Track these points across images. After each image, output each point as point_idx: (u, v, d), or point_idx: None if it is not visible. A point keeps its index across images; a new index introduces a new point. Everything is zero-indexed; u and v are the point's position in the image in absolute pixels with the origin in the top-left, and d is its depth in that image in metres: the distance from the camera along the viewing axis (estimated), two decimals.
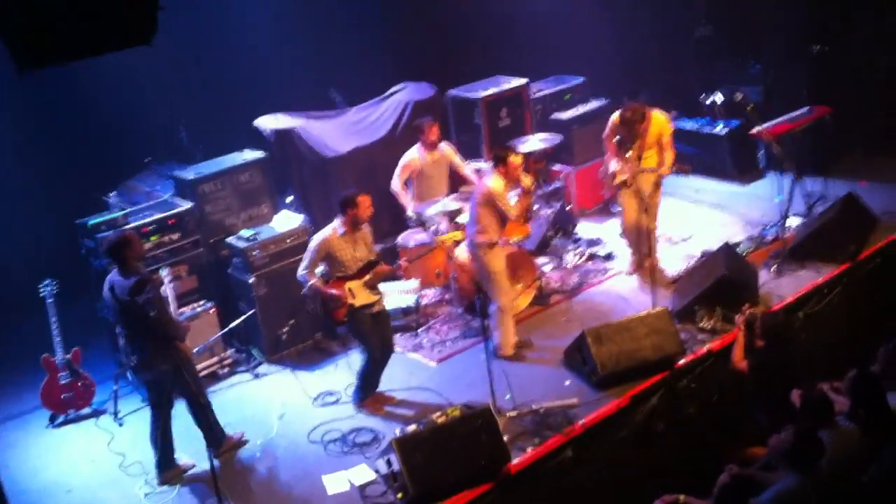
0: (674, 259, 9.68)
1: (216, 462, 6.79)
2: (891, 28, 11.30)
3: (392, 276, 8.19)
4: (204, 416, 7.34)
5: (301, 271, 7.69)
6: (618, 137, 9.21)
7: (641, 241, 9.28)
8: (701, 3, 12.81)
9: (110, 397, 8.28)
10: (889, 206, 9.90)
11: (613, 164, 9.30)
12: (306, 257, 7.71)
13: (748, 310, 7.70)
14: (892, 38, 11.33)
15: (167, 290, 7.60)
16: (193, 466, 7.36)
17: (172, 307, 7.53)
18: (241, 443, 7.61)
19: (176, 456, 7.35)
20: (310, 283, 7.65)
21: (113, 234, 7.50)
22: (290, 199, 10.05)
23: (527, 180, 8.28)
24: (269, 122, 10.04)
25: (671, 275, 9.39)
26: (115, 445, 7.77)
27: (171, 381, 7.10)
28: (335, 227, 7.66)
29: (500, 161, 8.13)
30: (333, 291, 7.61)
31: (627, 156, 9.06)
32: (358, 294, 7.68)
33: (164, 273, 7.85)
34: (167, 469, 7.25)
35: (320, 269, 7.75)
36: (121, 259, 6.99)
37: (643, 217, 9.14)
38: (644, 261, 9.35)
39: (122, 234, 7.27)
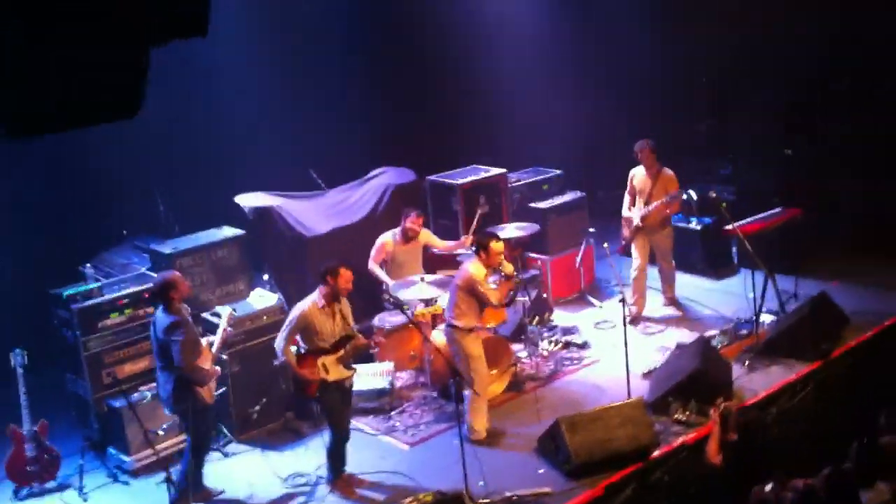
0: (648, 350, 9.73)
1: None
2: (858, 134, 11.66)
3: (367, 349, 8.16)
4: (194, 466, 7.49)
5: (279, 342, 7.69)
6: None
7: (644, 289, 10.67)
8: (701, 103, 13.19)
9: (76, 472, 8.09)
10: (859, 306, 10.04)
11: (629, 213, 10.59)
12: (285, 328, 7.71)
13: (723, 404, 7.73)
14: (859, 144, 11.67)
15: (222, 328, 7.84)
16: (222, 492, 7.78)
17: (216, 347, 7.72)
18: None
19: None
20: (284, 358, 7.64)
21: (161, 273, 7.82)
22: (266, 276, 10.05)
23: (508, 267, 8.35)
24: (248, 200, 10.10)
25: (649, 363, 9.51)
26: None
27: (200, 418, 7.45)
28: (314, 299, 7.66)
29: (481, 247, 8.21)
30: (305, 371, 7.59)
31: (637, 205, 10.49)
32: (331, 369, 7.65)
33: (225, 313, 8.00)
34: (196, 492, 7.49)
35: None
36: (166, 298, 7.39)
37: (659, 260, 10.71)
38: (641, 311, 10.62)
39: (170, 275, 7.63)
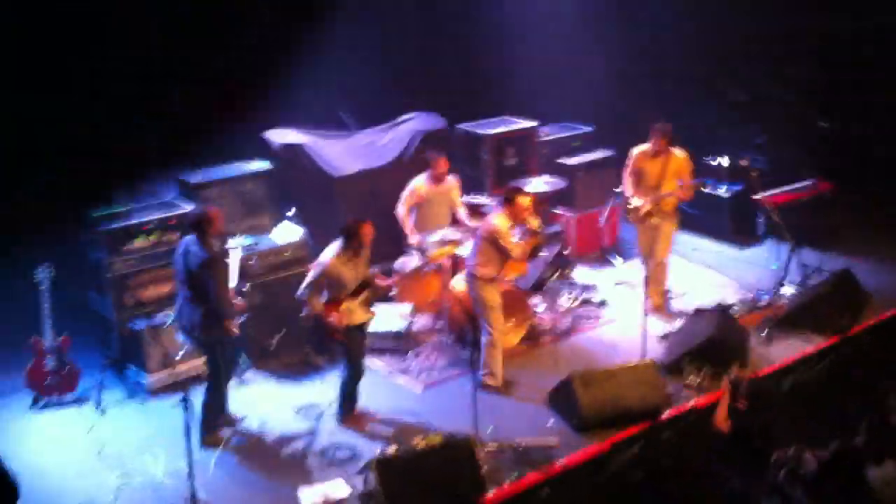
0: (667, 314, 9.74)
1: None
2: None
3: (386, 293, 8.20)
4: (214, 400, 7.64)
5: (303, 292, 7.70)
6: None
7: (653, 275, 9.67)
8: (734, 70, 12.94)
9: (94, 387, 8.25)
10: (882, 285, 10.04)
11: (634, 200, 9.67)
12: (310, 279, 7.71)
13: (736, 371, 7.75)
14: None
15: (234, 262, 7.96)
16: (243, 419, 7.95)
17: (234, 279, 7.89)
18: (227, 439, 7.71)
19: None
20: (311, 307, 7.70)
21: (198, 207, 7.88)
22: (291, 212, 10.09)
23: (534, 222, 8.35)
24: (278, 136, 10.15)
25: (668, 321, 9.54)
26: (94, 435, 7.71)
27: (222, 349, 7.56)
28: (337, 251, 7.68)
29: (508, 201, 8.22)
30: (332, 318, 7.66)
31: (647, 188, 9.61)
32: (356, 313, 7.74)
33: (234, 245, 8.17)
34: (209, 433, 7.60)
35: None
36: (202, 232, 7.43)
37: (655, 249, 9.66)
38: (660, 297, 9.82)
39: (207, 209, 7.64)
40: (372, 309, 7.98)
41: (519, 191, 8.39)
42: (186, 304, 7.52)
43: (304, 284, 7.75)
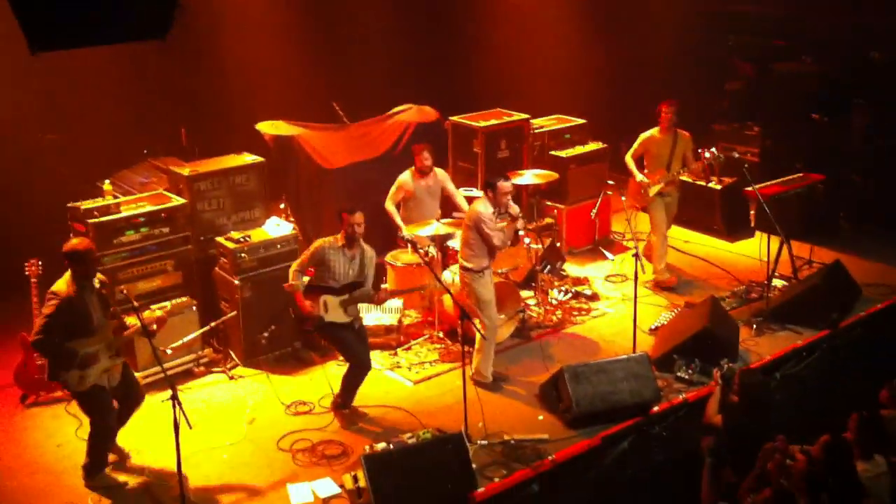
0: (657, 308, 9.75)
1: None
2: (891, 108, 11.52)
3: (369, 301, 8.11)
4: (96, 443, 7.11)
5: (292, 267, 7.85)
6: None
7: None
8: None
9: None
10: (872, 278, 10.05)
11: (641, 178, 10.20)
12: (302, 256, 7.90)
13: (727, 365, 7.75)
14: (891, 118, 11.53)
15: (143, 322, 6.85)
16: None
17: (129, 331, 7.10)
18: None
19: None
20: (291, 283, 7.73)
21: (79, 241, 7.05)
22: (282, 205, 10.07)
23: (514, 209, 8.34)
24: (269, 128, 10.09)
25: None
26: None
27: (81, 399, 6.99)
28: (337, 236, 7.75)
29: (489, 186, 8.20)
30: (306, 304, 7.67)
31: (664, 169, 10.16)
32: (331, 310, 7.73)
33: (152, 312, 7.45)
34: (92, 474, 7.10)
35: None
36: (69, 267, 6.82)
37: (664, 224, 10.33)
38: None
39: (86, 247, 6.90)
40: (353, 312, 7.81)
41: (500, 176, 8.38)
42: None
43: (297, 259, 7.94)
